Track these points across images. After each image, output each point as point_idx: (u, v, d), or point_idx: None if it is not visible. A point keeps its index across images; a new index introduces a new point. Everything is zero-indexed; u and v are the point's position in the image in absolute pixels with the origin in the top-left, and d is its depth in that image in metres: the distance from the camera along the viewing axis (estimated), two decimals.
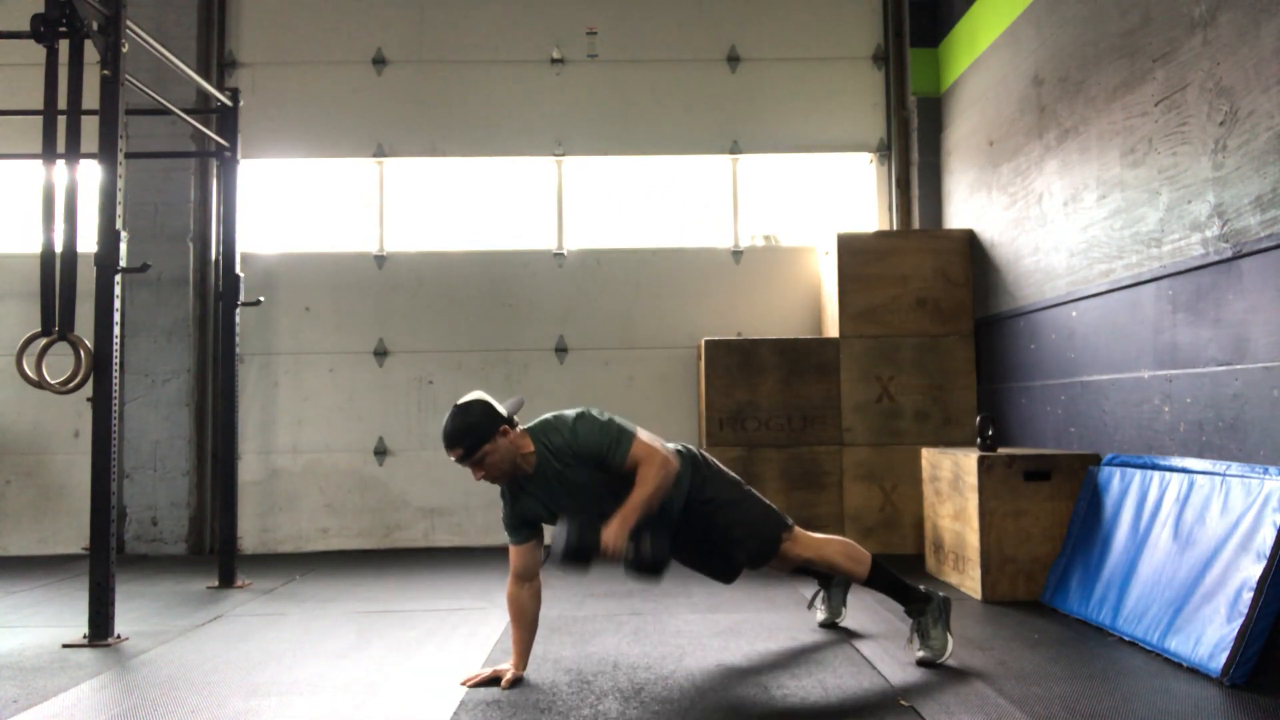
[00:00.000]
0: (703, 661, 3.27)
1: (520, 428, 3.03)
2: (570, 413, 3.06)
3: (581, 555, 2.80)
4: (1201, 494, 3.39)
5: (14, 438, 6.18)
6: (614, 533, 2.82)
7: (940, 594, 3.27)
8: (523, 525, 3.09)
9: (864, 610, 4.01)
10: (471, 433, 2.88)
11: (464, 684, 3.03)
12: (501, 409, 2.96)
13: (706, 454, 3.35)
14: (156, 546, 5.99)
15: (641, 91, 6.51)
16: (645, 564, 2.86)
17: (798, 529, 3.29)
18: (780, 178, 6.60)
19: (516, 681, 3.00)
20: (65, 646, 3.62)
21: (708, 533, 3.23)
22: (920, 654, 3.19)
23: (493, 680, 3.03)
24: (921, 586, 3.30)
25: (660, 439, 3.05)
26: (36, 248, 3.88)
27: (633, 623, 3.86)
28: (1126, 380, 4.14)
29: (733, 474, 3.35)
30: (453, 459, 2.91)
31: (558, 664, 3.27)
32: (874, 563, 3.28)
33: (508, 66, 6.50)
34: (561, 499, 3.02)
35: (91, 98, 3.82)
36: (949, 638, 3.21)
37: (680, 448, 3.24)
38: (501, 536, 6.45)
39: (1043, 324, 4.93)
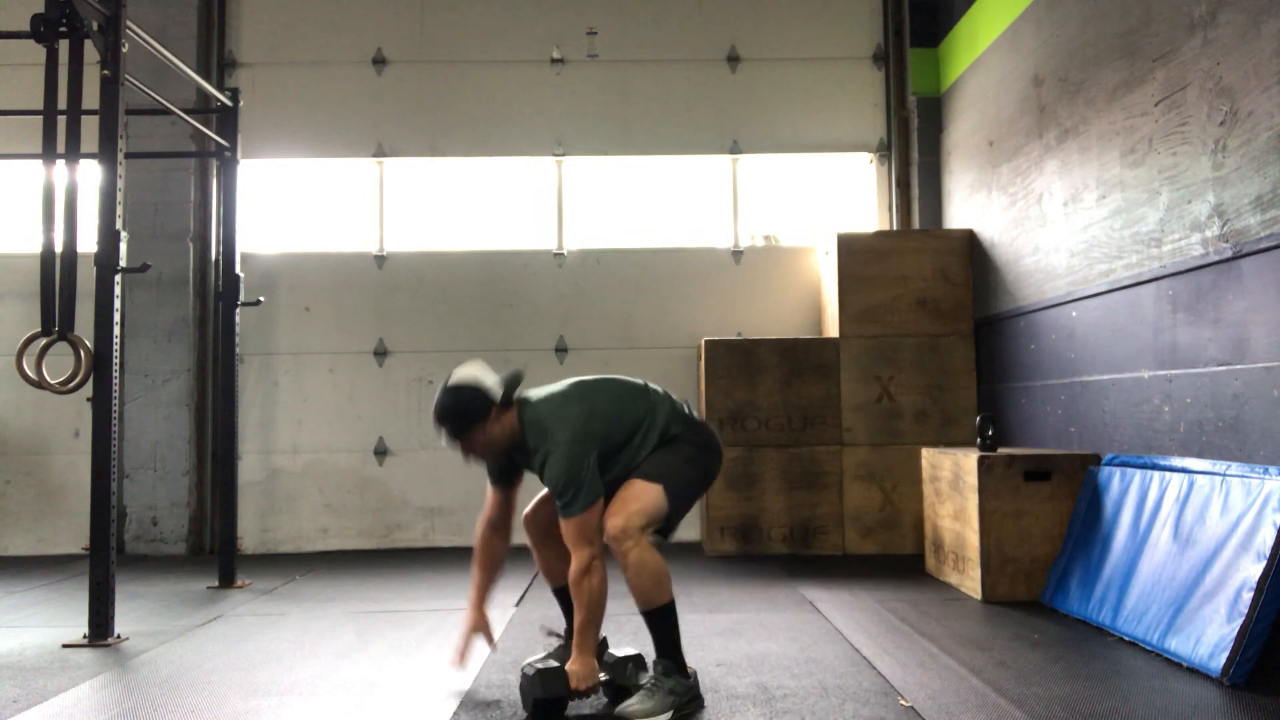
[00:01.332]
0: (703, 661, 3.27)
1: (521, 394, 2.87)
2: (557, 418, 2.77)
3: (554, 707, 2.69)
4: (1201, 494, 3.39)
5: (14, 438, 6.18)
6: (581, 674, 2.71)
7: (697, 688, 2.84)
8: (505, 474, 3.04)
9: (864, 610, 4.01)
10: (457, 416, 2.76)
11: (458, 663, 3.04)
12: (495, 388, 2.79)
13: (683, 429, 2.92)
14: (156, 546, 5.99)
15: (641, 91, 6.51)
16: (628, 685, 2.81)
17: (643, 533, 2.75)
18: (780, 178, 6.60)
19: (484, 628, 3.03)
20: (65, 646, 3.62)
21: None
22: (629, 704, 2.69)
23: (477, 638, 3.04)
24: (690, 667, 2.86)
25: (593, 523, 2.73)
26: (36, 248, 3.88)
27: (633, 623, 3.85)
28: (1126, 380, 4.14)
29: (689, 457, 2.90)
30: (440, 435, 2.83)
31: None
32: (671, 606, 2.81)
33: (508, 66, 6.50)
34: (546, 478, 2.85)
35: (91, 98, 3.82)
36: (669, 714, 2.69)
37: (697, 420, 2.98)
38: None
39: (1043, 324, 4.93)
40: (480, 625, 3.04)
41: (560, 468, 2.72)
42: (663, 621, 2.79)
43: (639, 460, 2.87)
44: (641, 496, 2.77)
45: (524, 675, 2.77)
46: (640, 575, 2.73)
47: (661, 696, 2.70)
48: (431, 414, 2.82)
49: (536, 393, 2.91)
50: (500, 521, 3.08)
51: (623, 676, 2.82)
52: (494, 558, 3.08)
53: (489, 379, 2.82)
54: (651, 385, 3.02)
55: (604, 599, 2.77)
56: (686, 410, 3.01)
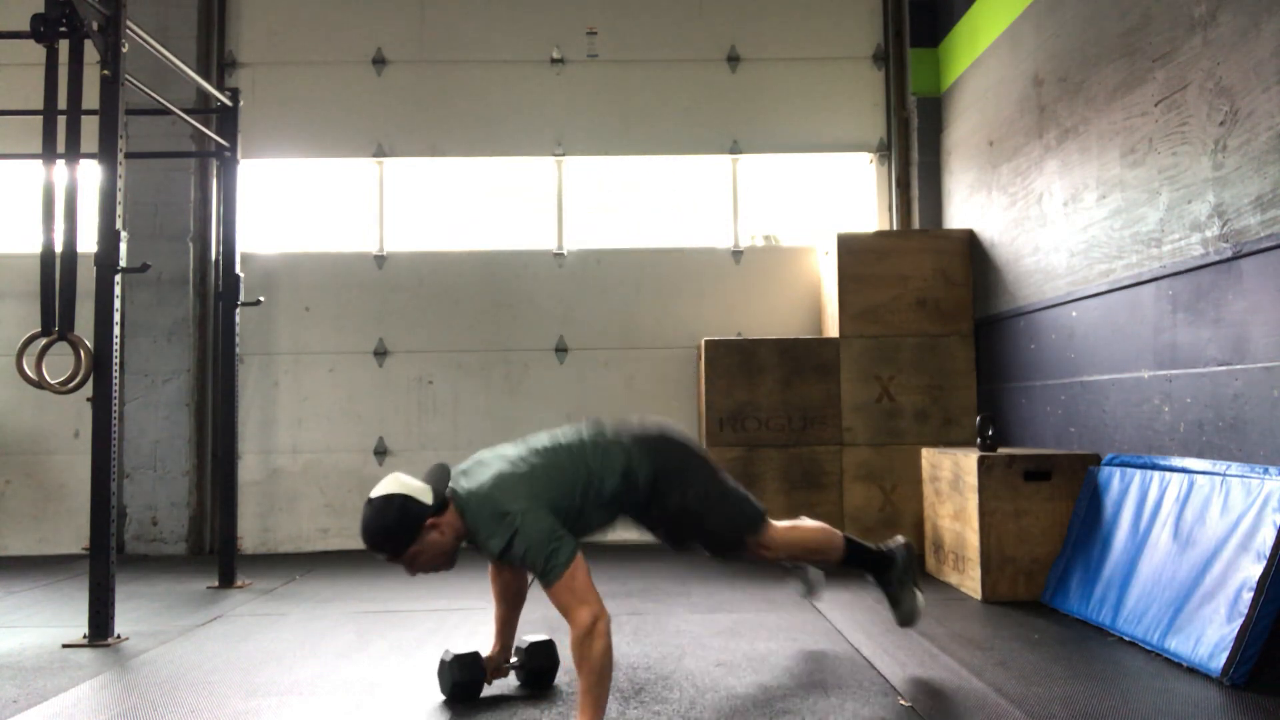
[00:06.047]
0: (703, 661, 3.27)
1: (451, 489, 2.69)
2: (501, 492, 2.61)
3: (469, 689, 2.89)
4: (1201, 494, 3.39)
5: (14, 438, 6.18)
6: None
7: (900, 544, 3.33)
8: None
9: (864, 610, 4.01)
10: (392, 538, 2.56)
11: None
12: (426, 494, 2.60)
13: (674, 437, 2.99)
14: (156, 546, 5.99)
15: (641, 91, 6.51)
16: (540, 670, 3.03)
17: (769, 531, 3.07)
18: (780, 178, 6.60)
19: (502, 664, 3.03)
20: (65, 646, 3.62)
21: (671, 532, 3.02)
22: (896, 619, 3.35)
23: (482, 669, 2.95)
24: (883, 546, 3.32)
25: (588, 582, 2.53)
26: (36, 248, 3.88)
27: (632, 623, 3.86)
28: (1126, 380, 4.14)
29: (703, 460, 3.00)
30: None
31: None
32: (846, 542, 3.25)
33: (508, 66, 6.50)
34: None
35: (91, 98, 3.82)
36: (917, 595, 3.31)
37: (646, 435, 2.94)
38: None
39: (1043, 324, 4.93)
40: (493, 659, 3.01)
41: (529, 536, 2.52)
42: (853, 563, 3.25)
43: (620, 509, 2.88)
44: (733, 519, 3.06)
45: (441, 662, 2.93)
46: (811, 552, 3.25)
47: (901, 594, 3.27)
48: (362, 535, 2.59)
49: (465, 483, 2.70)
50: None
51: (536, 661, 3.01)
52: (508, 586, 3.13)
53: (414, 484, 2.61)
54: (583, 431, 2.90)
55: (610, 665, 2.47)
56: (635, 433, 2.92)
